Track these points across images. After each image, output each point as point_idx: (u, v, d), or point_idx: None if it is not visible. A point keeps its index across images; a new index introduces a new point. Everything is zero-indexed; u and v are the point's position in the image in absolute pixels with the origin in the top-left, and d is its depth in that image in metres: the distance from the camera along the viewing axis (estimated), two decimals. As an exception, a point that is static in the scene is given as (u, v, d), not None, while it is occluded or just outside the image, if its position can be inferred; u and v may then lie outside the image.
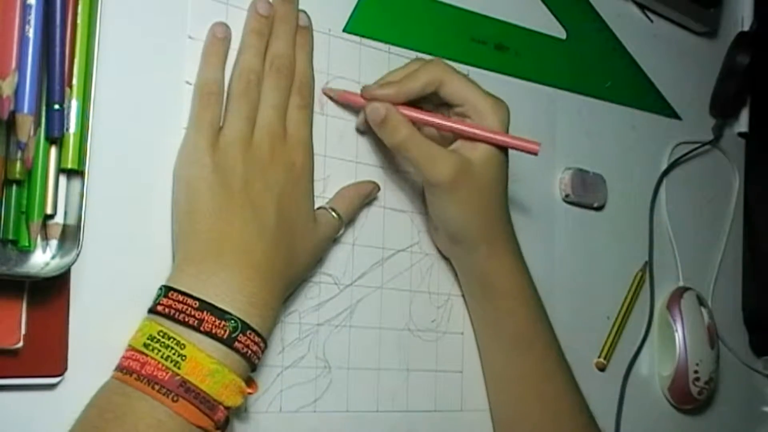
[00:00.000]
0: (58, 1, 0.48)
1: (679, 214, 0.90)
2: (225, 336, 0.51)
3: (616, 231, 0.84)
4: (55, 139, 0.49)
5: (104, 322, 0.53)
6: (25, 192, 0.49)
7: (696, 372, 0.85)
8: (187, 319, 0.50)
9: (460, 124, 0.64)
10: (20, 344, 0.49)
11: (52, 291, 0.50)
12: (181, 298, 0.51)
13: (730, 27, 0.98)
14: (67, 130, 0.50)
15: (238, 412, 0.58)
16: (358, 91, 0.65)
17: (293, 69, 0.60)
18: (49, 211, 0.49)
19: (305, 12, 0.62)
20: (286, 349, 0.61)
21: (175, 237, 0.55)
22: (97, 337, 0.52)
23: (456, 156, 0.63)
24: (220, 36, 0.58)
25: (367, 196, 0.65)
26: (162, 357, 0.49)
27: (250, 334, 0.52)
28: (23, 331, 0.49)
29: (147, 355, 0.49)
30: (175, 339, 0.50)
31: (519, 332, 0.68)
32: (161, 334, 0.50)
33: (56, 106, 0.48)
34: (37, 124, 0.48)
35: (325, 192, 0.64)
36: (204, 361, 0.50)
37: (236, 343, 0.51)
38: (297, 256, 0.57)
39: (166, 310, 0.51)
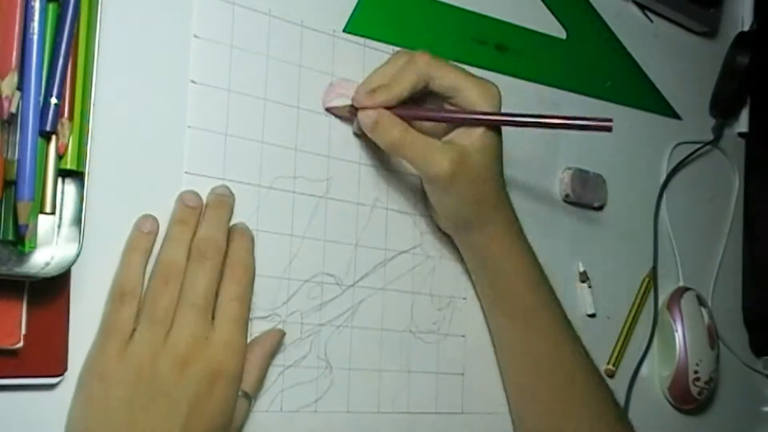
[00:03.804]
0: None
1: (680, 214, 0.90)
2: None
3: (616, 231, 0.84)
4: (48, 134, 0.48)
5: (104, 322, 0.53)
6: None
7: (696, 372, 0.85)
8: None
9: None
10: (20, 344, 0.48)
11: (52, 291, 0.50)
12: None
13: (730, 27, 0.98)
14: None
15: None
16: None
17: (221, 254, 0.54)
18: (48, 210, 0.49)
19: (244, 223, 0.58)
20: (287, 348, 0.61)
21: None
22: (97, 337, 0.52)
23: (451, 148, 0.62)
24: (145, 230, 0.53)
25: (274, 352, 0.59)
26: None
27: None
28: (23, 331, 0.49)
29: None
30: None
31: (522, 306, 0.68)
32: None
33: (54, 101, 0.48)
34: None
35: (328, 193, 0.64)
36: None
37: None
38: None
39: None
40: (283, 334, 0.60)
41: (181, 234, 0.54)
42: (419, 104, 0.65)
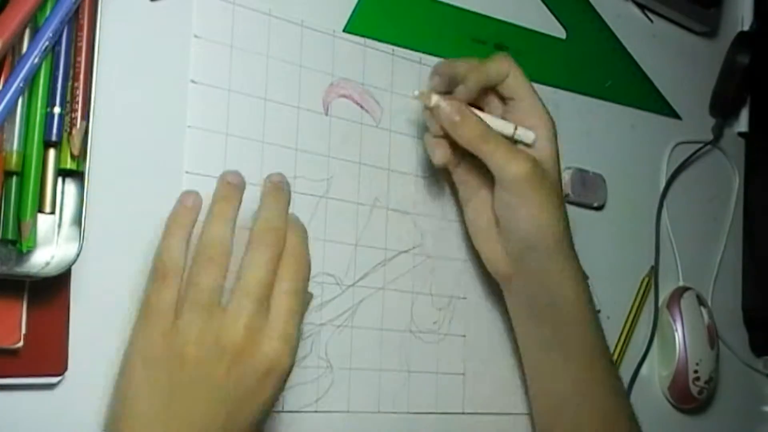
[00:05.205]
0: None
1: (679, 214, 0.90)
2: None
3: (616, 231, 0.84)
4: (54, 143, 0.49)
5: (104, 322, 0.53)
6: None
7: (696, 372, 0.85)
8: None
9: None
10: (20, 344, 0.48)
11: (52, 291, 0.50)
12: None
13: (730, 27, 0.98)
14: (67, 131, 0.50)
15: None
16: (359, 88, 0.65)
17: (282, 245, 0.52)
18: (48, 209, 0.49)
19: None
20: (288, 349, 0.61)
21: None
22: (97, 337, 0.52)
23: (529, 154, 0.63)
24: (189, 205, 0.52)
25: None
26: None
27: None
28: (23, 331, 0.49)
29: None
30: None
31: (586, 350, 0.67)
32: None
33: (57, 110, 0.48)
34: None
35: (328, 193, 0.64)
36: None
37: None
38: None
39: None
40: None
41: (224, 211, 0.52)
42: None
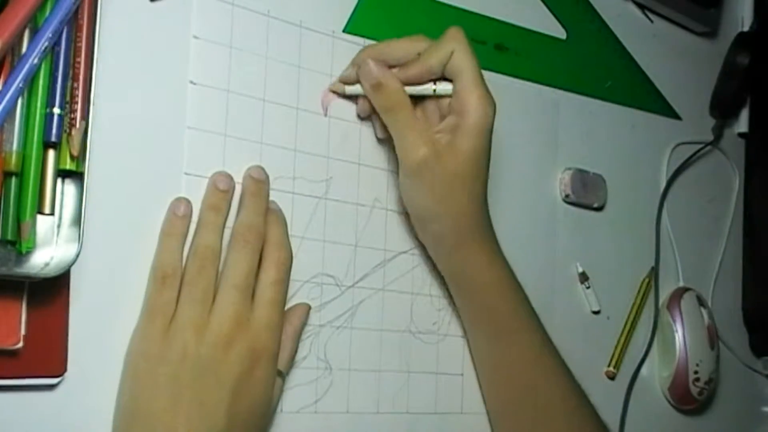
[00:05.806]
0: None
1: (679, 215, 0.90)
2: None
3: (616, 231, 0.84)
4: (53, 144, 0.49)
5: (104, 322, 0.53)
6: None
7: (696, 372, 0.85)
8: None
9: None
10: (20, 344, 0.48)
11: (52, 291, 0.50)
12: None
13: (730, 27, 0.98)
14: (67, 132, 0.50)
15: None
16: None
17: (262, 240, 0.56)
18: (47, 210, 0.49)
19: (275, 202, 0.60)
20: (287, 349, 0.61)
21: None
22: (97, 337, 0.52)
23: (434, 141, 0.62)
24: (179, 214, 0.55)
25: (303, 327, 0.61)
26: None
27: None
28: (23, 332, 0.49)
29: None
30: None
31: (500, 324, 0.67)
32: None
33: (57, 111, 0.49)
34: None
35: (327, 194, 0.64)
36: None
37: None
38: None
39: None
40: (308, 308, 0.61)
41: (214, 219, 0.56)
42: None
